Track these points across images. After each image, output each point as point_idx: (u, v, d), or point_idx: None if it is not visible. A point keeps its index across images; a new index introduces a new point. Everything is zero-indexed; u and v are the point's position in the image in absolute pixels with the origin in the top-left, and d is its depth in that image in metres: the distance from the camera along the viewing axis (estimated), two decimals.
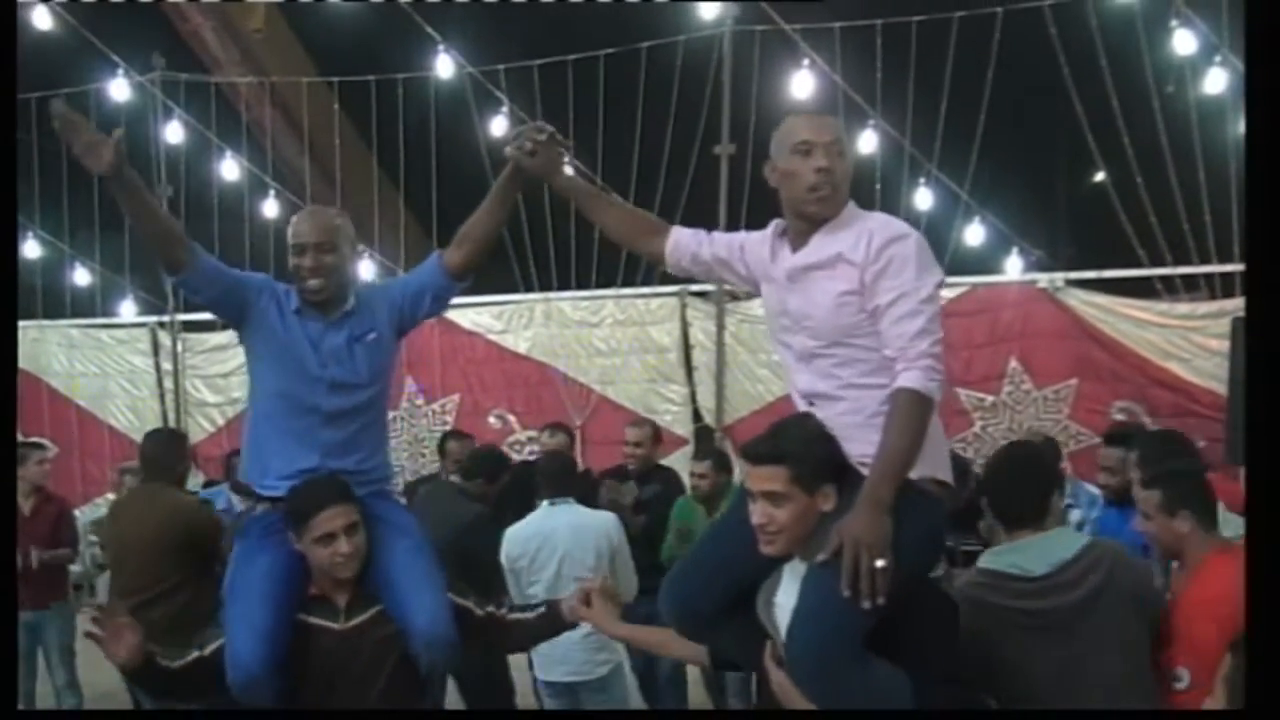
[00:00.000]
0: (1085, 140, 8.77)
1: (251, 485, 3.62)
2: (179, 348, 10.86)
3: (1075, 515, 5.72)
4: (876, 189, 9.13)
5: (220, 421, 10.60)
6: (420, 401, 10.07)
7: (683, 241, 3.35)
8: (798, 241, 3.06)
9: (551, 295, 9.94)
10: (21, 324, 10.70)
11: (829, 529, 2.77)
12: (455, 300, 9.95)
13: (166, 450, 5.91)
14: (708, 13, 9.25)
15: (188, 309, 10.52)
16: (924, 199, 9.32)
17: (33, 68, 9.39)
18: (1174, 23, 8.51)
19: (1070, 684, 3.19)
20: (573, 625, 3.65)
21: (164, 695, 3.73)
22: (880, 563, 2.64)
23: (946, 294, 9.02)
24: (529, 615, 3.73)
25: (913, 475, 2.83)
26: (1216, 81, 8.51)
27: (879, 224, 2.97)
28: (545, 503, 5.45)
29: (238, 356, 10.40)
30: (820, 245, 3.00)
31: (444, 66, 9.91)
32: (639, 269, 9.38)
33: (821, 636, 2.73)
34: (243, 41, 10.70)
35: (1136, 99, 8.58)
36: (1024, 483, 3.43)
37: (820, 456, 2.86)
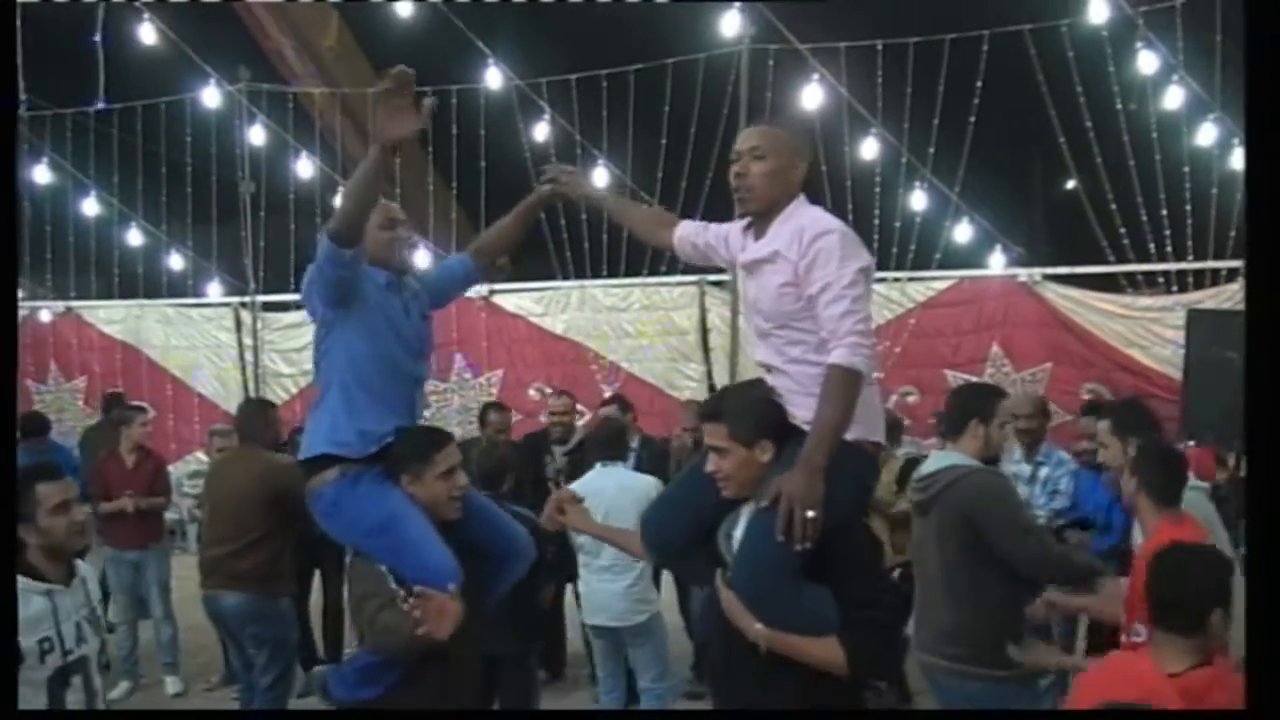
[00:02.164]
0: (1060, 150, 9.26)
1: (338, 450, 3.57)
2: (258, 325, 11.51)
3: (1043, 471, 6.29)
4: (876, 191, 9.77)
5: (294, 390, 11.25)
6: (469, 375, 10.85)
7: (686, 232, 3.64)
8: (757, 234, 3.30)
9: (586, 283, 10.58)
10: (124, 302, 11.81)
11: (765, 480, 3.03)
12: (500, 285, 10.83)
13: (258, 417, 6.27)
14: (728, 30, 9.78)
15: (267, 290, 11.24)
16: (919, 200, 9.90)
17: (139, 77, 10.49)
18: (1138, 45, 9.14)
19: (921, 553, 4.28)
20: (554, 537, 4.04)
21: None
22: (810, 514, 2.87)
23: (938, 285, 9.86)
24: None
25: (850, 436, 3.03)
26: (1174, 98, 9.16)
27: (809, 221, 3.18)
28: (598, 464, 5.84)
29: (309, 333, 11.51)
30: (767, 241, 3.23)
31: (493, 78, 10.45)
32: (663, 261, 10.09)
33: (758, 567, 3.00)
34: (317, 57, 11.37)
35: (1105, 114, 9.15)
36: (952, 408, 4.32)
37: (757, 415, 3.12)
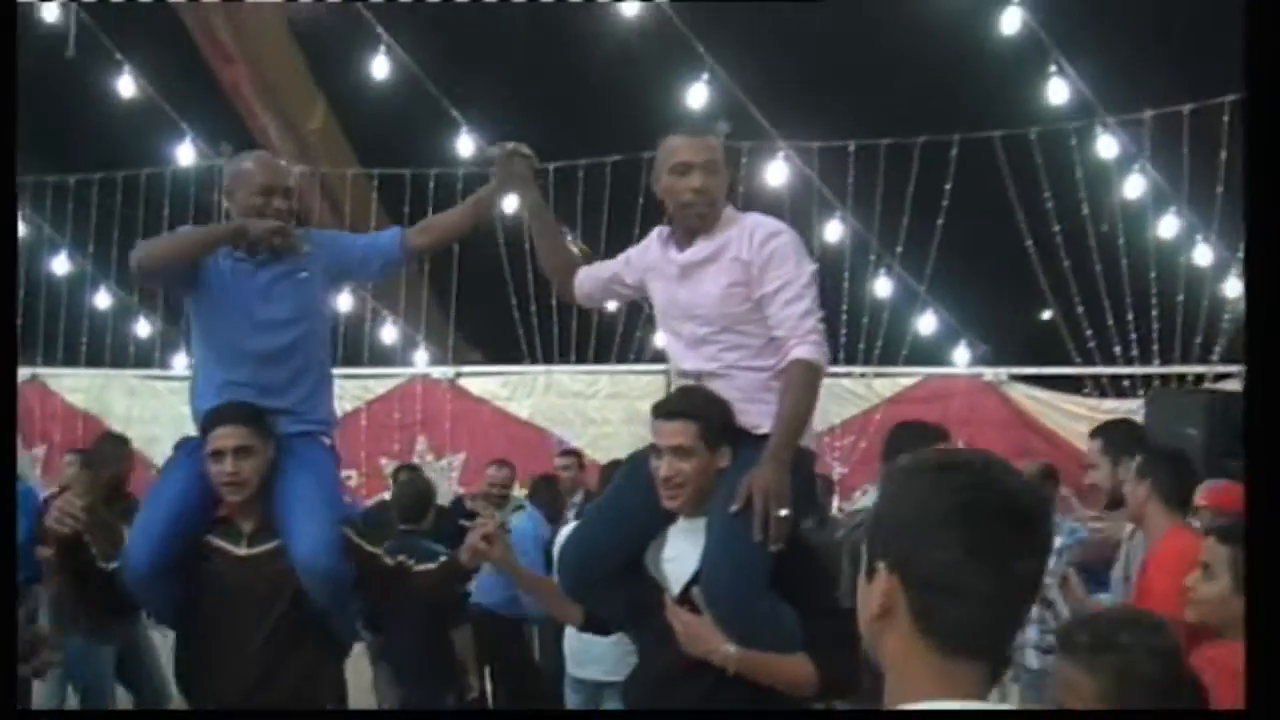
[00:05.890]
0: (1027, 252, 9.42)
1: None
2: None
3: (1056, 542, 6.14)
4: (845, 284, 9.86)
5: None
6: (430, 457, 10.72)
7: (584, 275, 3.60)
8: (684, 242, 3.23)
9: (553, 368, 10.60)
10: (90, 371, 11.73)
11: (718, 488, 2.96)
12: (467, 369, 10.79)
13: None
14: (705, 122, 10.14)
15: None
16: (887, 294, 10.05)
17: (119, 144, 10.63)
18: (1099, 130, 9.29)
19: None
20: (471, 574, 3.69)
21: (94, 597, 3.72)
22: (783, 511, 2.84)
23: (904, 381, 9.94)
24: (432, 566, 3.68)
25: (800, 443, 3.03)
26: (1136, 187, 9.29)
27: (756, 222, 3.18)
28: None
29: None
30: (706, 244, 3.18)
31: (465, 147, 10.29)
32: (631, 349, 10.22)
33: (735, 577, 2.89)
34: (300, 138, 11.50)
35: (1072, 217, 9.32)
36: (887, 447, 4.18)
37: (722, 417, 3.04)
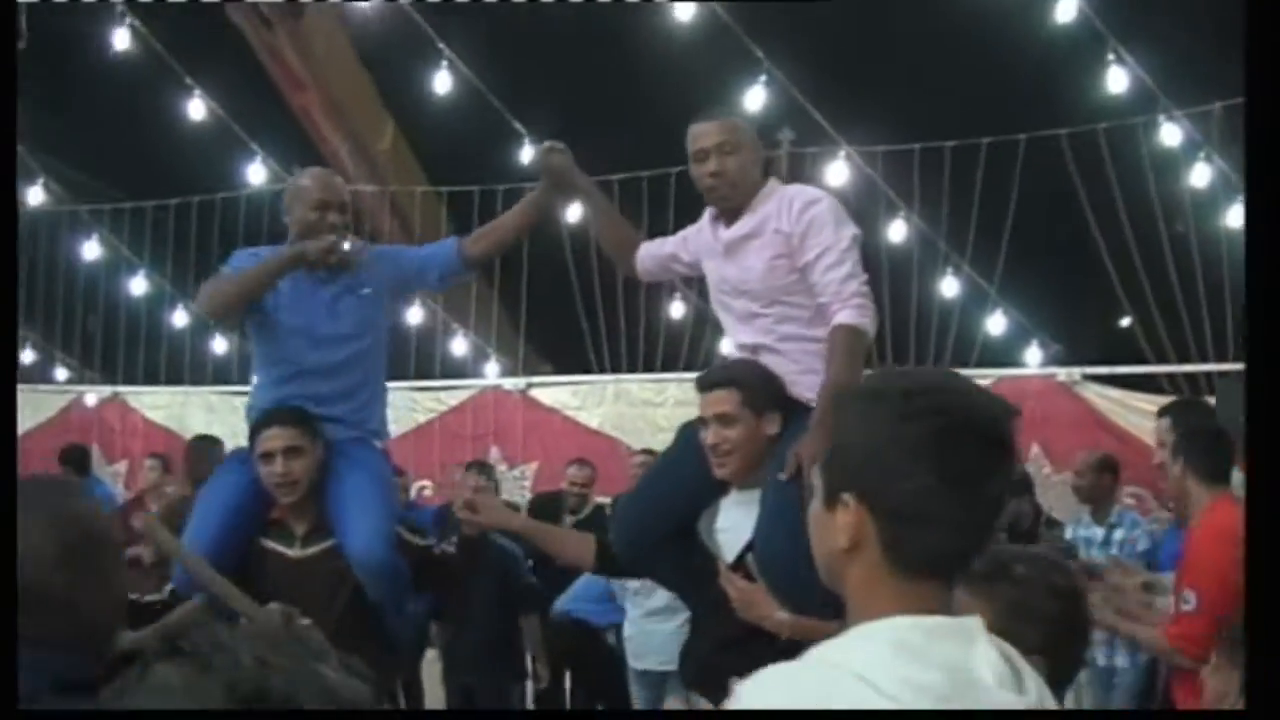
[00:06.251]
0: (1099, 250, 9.34)
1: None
2: None
3: (1118, 534, 6.18)
4: (914, 286, 9.76)
5: None
6: (503, 467, 10.77)
7: (644, 252, 3.67)
8: (729, 219, 3.28)
9: (622, 377, 10.65)
10: (169, 389, 12.05)
11: (771, 459, 2.98)
12: (538, 380, 10.94)
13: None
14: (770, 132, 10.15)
15: None
16: (957, 296, 9.94)
17: (194, 169, 10.88)
18: (1164, 122, 9.10)
19: None
20: (484, 549, 3.79)
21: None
22: None
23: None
24: (451, 548, 3.75)
25: None
26: (1203, 178, 9.12)
27: (796, 192, 3.22)
28: None
29: None
30: (748, 219, 3.23)
31: (527, 158, 10.22)
32: (699, 356, 10.19)
33: (787, 544, 2.82)
34: (370, 158, 11.74)
35: (1144, 217, 9.19)
36: None
37: (768, 383, 3.08)
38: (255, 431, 3.48)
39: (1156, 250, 9.16)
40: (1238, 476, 3.80)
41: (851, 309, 3.04)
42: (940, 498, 1.34)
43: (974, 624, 1.36)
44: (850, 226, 3.17)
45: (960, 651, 1.31)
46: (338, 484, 3.49)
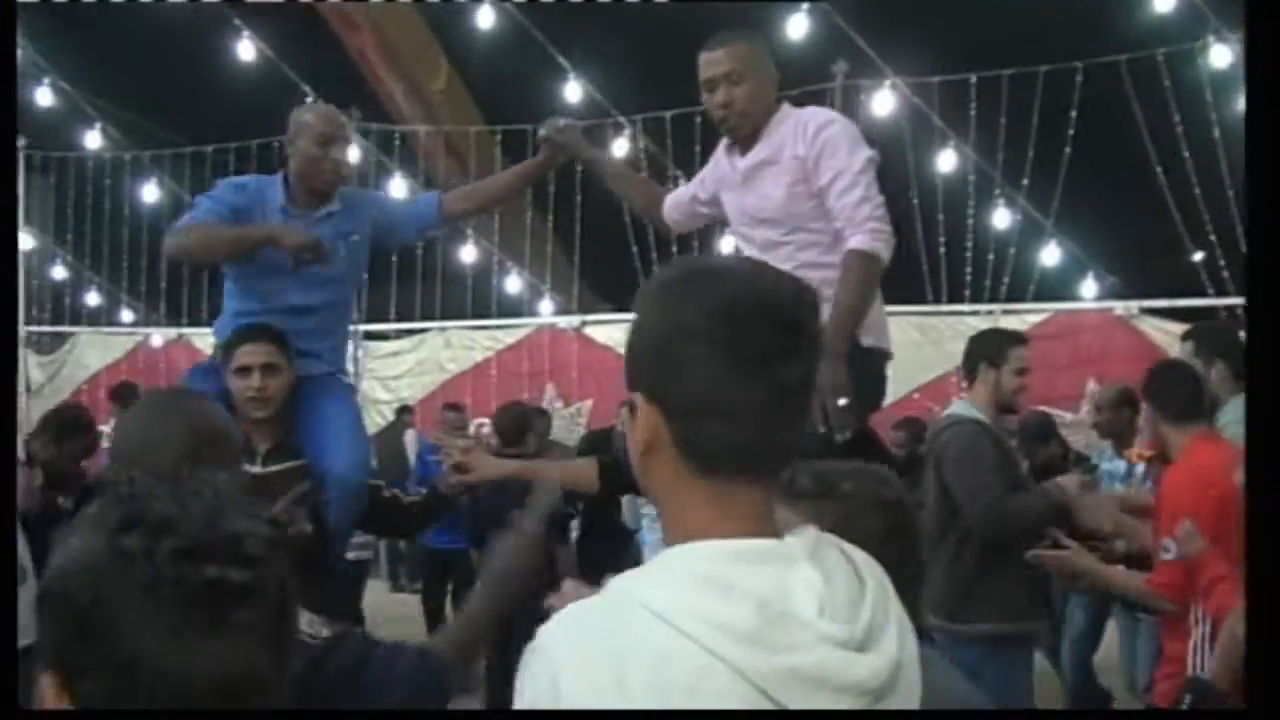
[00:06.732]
0: (1159, 181, 9.12)
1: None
2: (359, 352, 11.46)
3: (1140, 468, 5.81)
4: (969, 220, 9.78)
5: (390, 417, 11.35)
6: (559, 405, 10.94)
7: (669, 204, 3.64)
8: (744, 148, 3.24)
9: None
10: None
11: None
12: (591, 317, 10.99)
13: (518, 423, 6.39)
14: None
15: (369, 319, 11.44)
16: (1013, 229, 9.83)
17: (253, 112, 10.97)
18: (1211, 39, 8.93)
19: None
20: (453, 501, 3.64)
21: None
22: (842, 401, 2.82)
23: (1032, 319, 9.75)
24: (418, 499, 3.72)
25: (864, 344, 3.02)
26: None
27: (809, 115, 3.18)
28: None
29: (409, 361, 11.79)
30: (764, 146, 3.19)
31: (573, 94, 10.57)
32: None
33: None
34: (425, 98, 11.81)
35: (1202, 140, 8.96)
36: (966, 354, 4.31)
37: None
38: (232, 345, 3.47)
39: (1217, 180, 8.94)
40: (1236, 410, 3.67)
41: (865, 233, 3.01)
42: (729, 386, 1.23)
43: (796, 544, 1.25)
44: (864, 149, 3.12)
45: (775, 578, 1.20)
46: (316, 413, 3.55)
